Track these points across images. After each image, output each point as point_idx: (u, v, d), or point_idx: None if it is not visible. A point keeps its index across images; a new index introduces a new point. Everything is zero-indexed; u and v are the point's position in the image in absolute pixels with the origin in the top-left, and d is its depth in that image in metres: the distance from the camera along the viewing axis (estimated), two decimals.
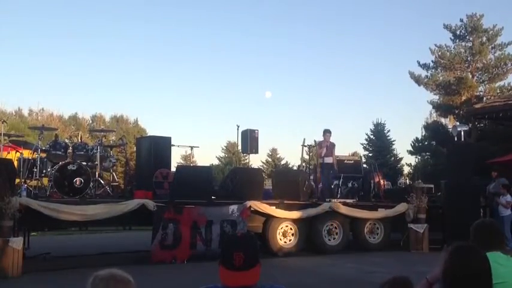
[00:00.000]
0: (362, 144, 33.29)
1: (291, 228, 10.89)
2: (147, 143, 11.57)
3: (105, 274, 1.66)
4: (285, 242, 10.83)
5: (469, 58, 26.45)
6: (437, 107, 27.77)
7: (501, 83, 26.67)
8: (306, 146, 12.69)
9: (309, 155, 13.39)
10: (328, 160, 12.41)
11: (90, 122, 39.02)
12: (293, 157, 50.01)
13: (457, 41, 26.90)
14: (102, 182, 10.53)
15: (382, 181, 14.73)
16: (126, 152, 15.11)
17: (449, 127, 25.63)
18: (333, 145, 12.52)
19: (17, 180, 9.05)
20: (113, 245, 12.16)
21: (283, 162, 39.47)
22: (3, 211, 7.79)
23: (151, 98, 56.45)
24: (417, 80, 27.14)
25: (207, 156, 55.06)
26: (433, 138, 27.42)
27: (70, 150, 10.22)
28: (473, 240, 2.84)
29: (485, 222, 3.17)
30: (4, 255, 7.73)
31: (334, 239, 11.36)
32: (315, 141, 12.71)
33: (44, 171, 9.83)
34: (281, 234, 10.79)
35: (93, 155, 10.18)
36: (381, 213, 11.91)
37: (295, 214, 10.79)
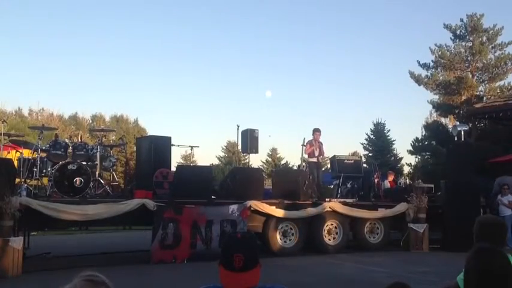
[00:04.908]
0: (362, 144, 33.30)
1: (291, 228, 10.89)
2: (147, 143, 11.55)
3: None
4: (285, 242, 10.83)
5: (469, 58, 26.42)
6: (437, 106, 27.74)
7: (501, 82, 26.65)
8: (306, 146, 12.70)
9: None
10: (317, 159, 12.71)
11: (90, 121, 39.01)
12: (293, 157, 49.91)
13: (457, 40, 26.86)
14: (102, 181, 10.53)
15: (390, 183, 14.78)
16: (126, 152, 15.16)
17: (449, 127, 25.66)
18: (321, 144, 12.83)
19: (17, 180, 9.05)
20: (113, 244, 12.17)
21: (283, 162, 39.45)
22: (3, 211, 7.79)
23: (151, 98, 56.47)
24: (417, 79, 27.11)
25: (207, 156, 55.04)
26: (433, 138, 27.41)
27: (70, 150, 10.21)
28: (476, 235, 2.81)
29: (490, 218, 3.13)
30: (4, 255, 7.73)
31: (334, 238, 11.36)
32: (304, 139, 12.76)
33: (44, 170, 9.82)
34: (281, 234, 10.79)
35: (93, 155, 10.18)
36: (381, 213, 11.90)
37: (295, 214, 10.80)
